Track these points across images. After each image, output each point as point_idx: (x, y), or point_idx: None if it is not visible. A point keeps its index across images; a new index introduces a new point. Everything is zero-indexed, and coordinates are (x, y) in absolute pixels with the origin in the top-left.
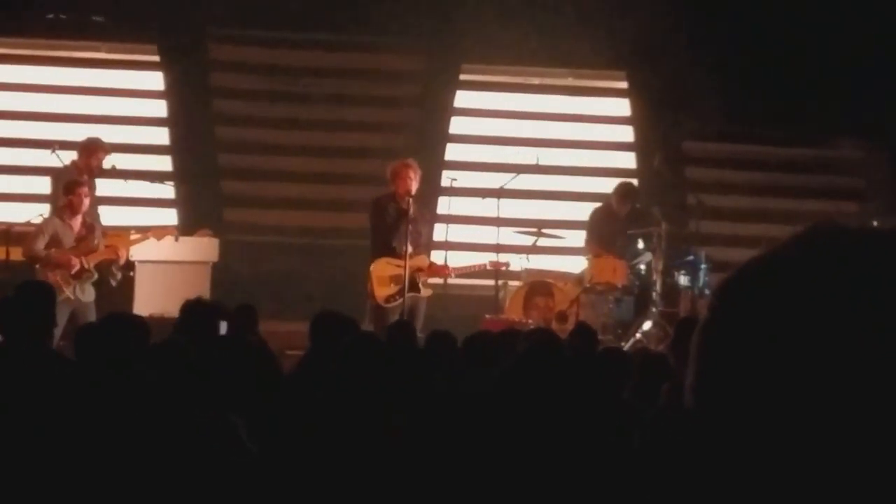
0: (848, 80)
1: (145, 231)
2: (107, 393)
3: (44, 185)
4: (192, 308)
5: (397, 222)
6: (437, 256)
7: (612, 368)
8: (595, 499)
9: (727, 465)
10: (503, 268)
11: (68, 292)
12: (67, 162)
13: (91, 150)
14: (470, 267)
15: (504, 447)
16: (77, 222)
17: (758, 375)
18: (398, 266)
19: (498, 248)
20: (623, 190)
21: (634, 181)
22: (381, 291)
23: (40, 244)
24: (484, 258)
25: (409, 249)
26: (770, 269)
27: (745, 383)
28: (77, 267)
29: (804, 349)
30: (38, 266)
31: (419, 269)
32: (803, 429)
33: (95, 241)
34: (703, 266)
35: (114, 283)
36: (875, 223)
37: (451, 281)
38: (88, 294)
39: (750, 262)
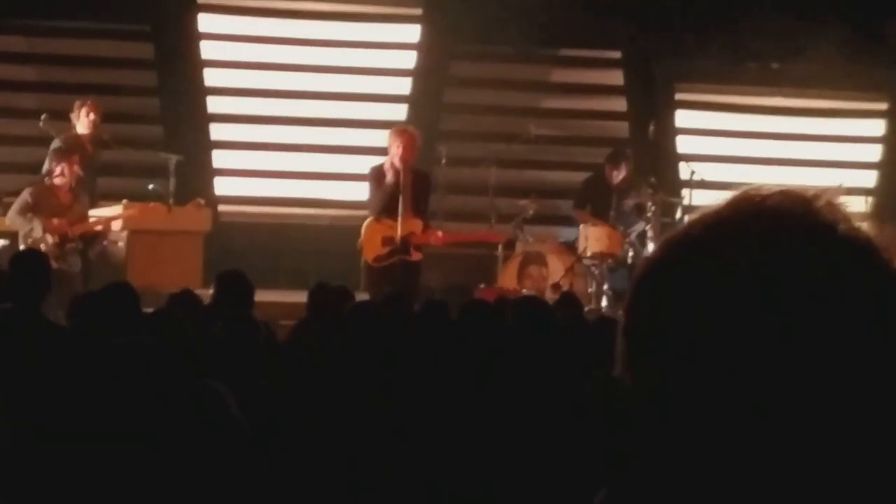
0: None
1: (137, 201)
2: (99, 360)
3: (34, 154)
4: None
5: (394, 188)
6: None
7: (604, 338)
8: (580, 466)
9: (651, 435)
10: (497, 239)
11: (53, 262)
12: (65, 131)
13: (80, 108)
14: (463, 234)
15: (497, 416)
16: (64, 191)
17: (680, 353)
18: (391, 227)
19: (491, 218)
20: (612, 154)
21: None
22: (371, 251)
23: (25, 209)
24: (478, 227)
25: (405, 214)
26: (684, 246)
27: (669, 358)
28: (61, 233)
29: (720, 327)
30: (21, 233)
31: (412, 233)
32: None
33: (81, 210)
34: None
35: (104, 247)
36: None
37: (444, 250)
38: (74, 264)
39: (672, 237)
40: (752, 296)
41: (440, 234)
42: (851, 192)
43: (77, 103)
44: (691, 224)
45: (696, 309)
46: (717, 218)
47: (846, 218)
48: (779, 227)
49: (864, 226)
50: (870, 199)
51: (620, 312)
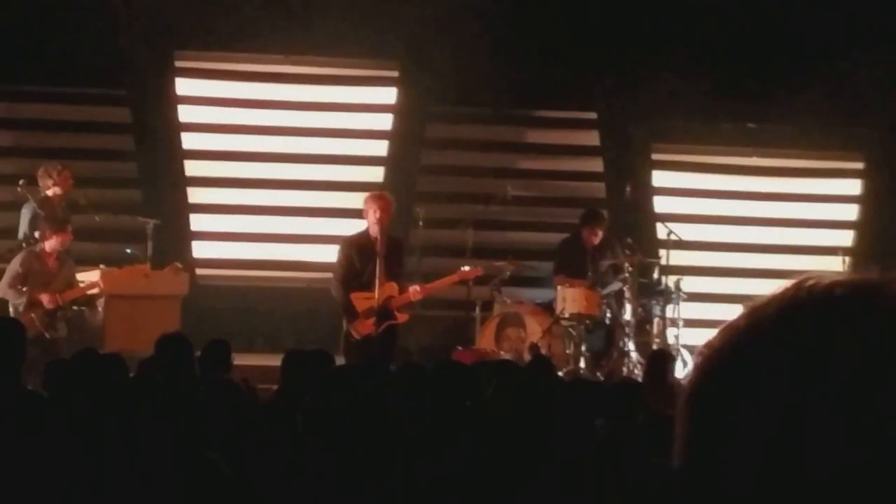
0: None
1: (115, 266)
2: (79, 430)
3: (12, 219)
4: (167, 343)
5: (366, 259)
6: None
7: (581, 398)
8: None
9: None
10: (475, 275)
11: (42, 329)
12: (39, 195)
13: (56, 172)
14: (441, 281)
15: (475, 477)
16: (52, 258)
17: (745, 445)
18: (367, 299)
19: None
20: (588, 215)
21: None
22: (361, 328)
23: (16, 281)
24: (455, 269)
25: (381, 280)
26: (754, 337)
27: (734, 452)
28: (54, 304)
29: (792, 418)
30: (11, 304)
31: (390, 297)
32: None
33: (70, 278)
34: (674, 296)
35: (99, 311)
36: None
37: (423, 312)
38: (61, 330)
39: (733, 327)
40: (831, 386)
41: (418, 288)
42: (828, 251)
43: (46, 167)
44: (756, 315)
45: (769, 402)
46: (785, 308)
47: None
48: (852, 315)
49: None
50: (847, 258)
51: (598, 374)
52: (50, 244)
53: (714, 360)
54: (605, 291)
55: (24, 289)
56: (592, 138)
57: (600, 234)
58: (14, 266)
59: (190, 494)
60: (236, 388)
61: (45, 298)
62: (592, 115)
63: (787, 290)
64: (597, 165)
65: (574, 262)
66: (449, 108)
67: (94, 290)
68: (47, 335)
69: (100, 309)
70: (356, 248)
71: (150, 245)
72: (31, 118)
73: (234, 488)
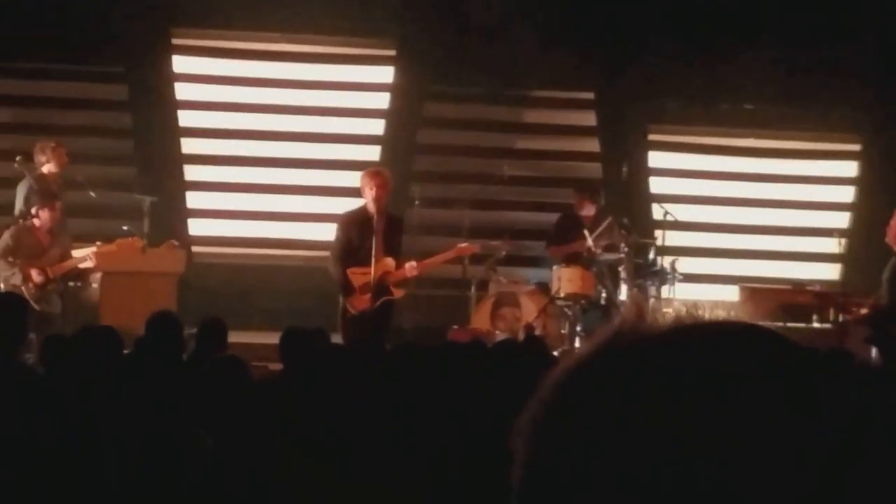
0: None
1: (111, 242)
2: (76, 405)
3: (9, 195)
4: (158, 321)
5: (364, 235)
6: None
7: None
8: None
9: None
10: (472, 252)
11: (34, 303)
12: (34, 172)
13: (50, 149)
14: (437, 257)
15: (467, 456)
16: (43, 233)
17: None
18: (364, 274)
19: (465, 259)
20: (580, 187)
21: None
22: (358, 303)
23: (6, 253)
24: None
25: (377, 256)
26: (573, 388)
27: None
28: (41, 279)
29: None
30: (2, 276)
31: (387, 273)
32: None
33: (61, 252)
34: (669, 276)
35: (91, 286)
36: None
37: (418, 291)
38: (55, 305)
39: (558, 380)
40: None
41: (414, 263)
42: (825, 233)
43: (41, 144)
44: (575, 368)
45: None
46: (597, 362)
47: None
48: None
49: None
50: (843, 240)
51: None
52: (40, 219)
53: (540, 415)
54: (602, 272)
55: (14, 261)
56: (589, 118)
57: (590, 205)
58: (5, 239)
59: (180, 471)
60: (238, 365)
61: (34, 272)
62: (590, 96)
63: (600, 345)
64: (593, 146)
65: (569, 237)
66: (446, 87)
67: (86, 265)
68: (38, 308)
69: (94, 285)
70: (354, 225)
71: (146, 222)
72: (28, 95)
73: (222, 466)
